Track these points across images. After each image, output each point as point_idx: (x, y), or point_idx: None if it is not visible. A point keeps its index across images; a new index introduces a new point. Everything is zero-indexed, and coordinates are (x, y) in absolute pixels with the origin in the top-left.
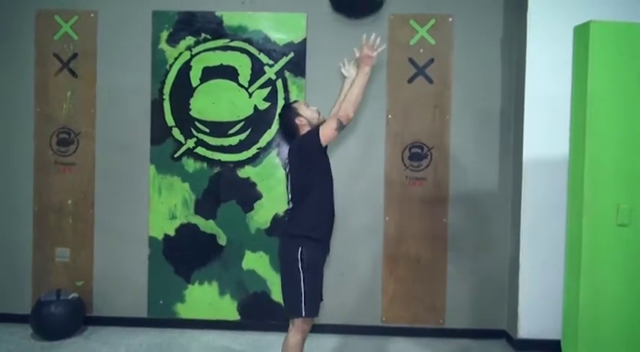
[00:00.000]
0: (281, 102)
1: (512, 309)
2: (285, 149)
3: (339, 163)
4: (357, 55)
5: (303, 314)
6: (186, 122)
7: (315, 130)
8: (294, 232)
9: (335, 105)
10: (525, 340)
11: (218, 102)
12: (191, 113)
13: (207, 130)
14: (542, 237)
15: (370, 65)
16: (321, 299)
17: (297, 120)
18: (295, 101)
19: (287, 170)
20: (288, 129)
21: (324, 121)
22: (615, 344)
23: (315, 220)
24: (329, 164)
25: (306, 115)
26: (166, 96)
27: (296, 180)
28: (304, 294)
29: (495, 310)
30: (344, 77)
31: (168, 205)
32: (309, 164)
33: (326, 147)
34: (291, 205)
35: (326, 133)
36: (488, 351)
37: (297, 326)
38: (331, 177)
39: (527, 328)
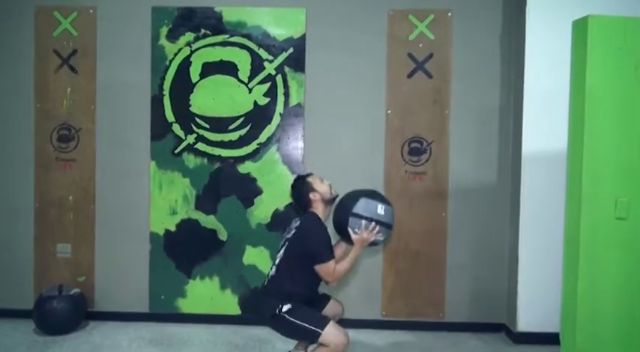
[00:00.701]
0: (281, 98)
1: (512, 303)
2: (284, 144)
3: (339, 158)
4: (354, 236)
5: (321, 331)
6: (186, 118)
7: (321, 254)
8: (273, 292)
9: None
10: (524, 333)
11: (218, 98)
12: (191, 109)
13: (208, 126)
14: (541, 230)
15: (364, 246)
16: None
17: (312, 195)
18: (309, 174)
19: (285, 238)
20: (301, 203)
21: (334, 198)
22: (613, 337)
23: (296, 291)
24: None
25: (321, 190)
26: (166, 92)
27: (290, 256)
28: (304, 322)
29: (494, 303)
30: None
31: (168, 201)
32: (304, 261)
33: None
34: (274, 271)
35: (322, 271)
36: (487, 344)
37: (330, 345)
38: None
39: (527, 321)
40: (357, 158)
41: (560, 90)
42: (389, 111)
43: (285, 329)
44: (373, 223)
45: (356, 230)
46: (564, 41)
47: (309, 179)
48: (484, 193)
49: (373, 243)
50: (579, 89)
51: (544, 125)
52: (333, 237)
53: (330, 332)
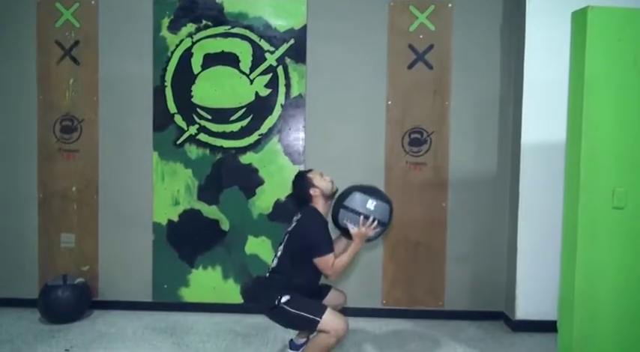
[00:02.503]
0: (282, 89)
1: (510, 291)
2: (285, 135)
3: (340, 148)
4: (353, 231)
5: (319, 319)
6: (188, 109)
7: (321, 248)
8: (274, 284)
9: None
10: (523, 321)
11: (219, 89)
12: (193, 100)
13: (209, 117)
14: (540, 220)
15: (363, 240)
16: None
17: (312, 191)
18: (310, 170)
19: (286, 231)
20: (301, 198)
21: (334, 193)
22: (611, 326)
23: (294, 285)
24: None
25: (321, 186)
26: (168, 83)
27: (291, 252)
28: (304, 313)
29: (493, 292)
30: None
31: (171, 191)
32: (305, 254)
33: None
34: (276, 263)
35: (320, 265)
36: (486, 332)
37: (330, 331)
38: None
39: (525, 309)
40: (357, 149)
41: (559, 81)
42: (389, 102)
43: (284, 319)
44: (371, 218)
45: (354, 224)
46: (564, 32)
47: (310, 175)
48: (484, 183)
49: (369, 239)
50: (578, 80)
51: (544, 115)
52: (334, 232)
53: (329, 319)
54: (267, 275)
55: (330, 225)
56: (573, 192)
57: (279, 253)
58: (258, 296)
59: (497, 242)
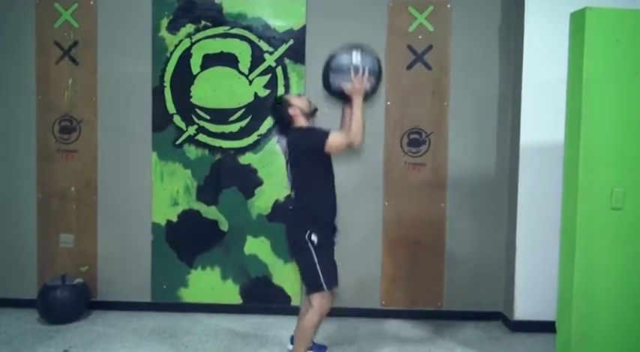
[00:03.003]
0: (281, 90)
1: (509, 292)
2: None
3: None
4: (347, 87)
5: (325, 288)
6: (187, 109)
7: (322, 134)
8: (299, 218)
9: (342, 126)
10: (521, 321)
11: (218, 90)
12: (192, 100)
13: (208, 117)
14: (538, 221)
15: (361, 95)
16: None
17: (291, 111)
18: (282, 95)
19: (288, 159)
20: (283, 121)
21: (314, 110)
22: (609, 326)
23: (318, 206)
24: (330, 158)
25: (298, 104)
26: (167, 84)
27: (297, 172)
28: (320, 270)
29: (492, 293)
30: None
31: (170, 191)
32: (311, 160)
33: (326, 154)
34: (293, 193)
35: (334, 144)
36: (485, 332)
37: (315, 306)
38: (332, 169)
39: (523, 310)
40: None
41: (558, 82)
42: (388, 103)
43: (303, 260)
44: (361, 69)
45: (347, 82)
46: (563, 33)
47: (285, 96)
48: (483, 184)
49: (366, 94)
50: (576, 81)
51: (542, 116)
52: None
53: (327, 296)
54: (290, 206)
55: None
56: (572, 192)
57: (290, 183)
58: (288, 226)
59: (495, 242)
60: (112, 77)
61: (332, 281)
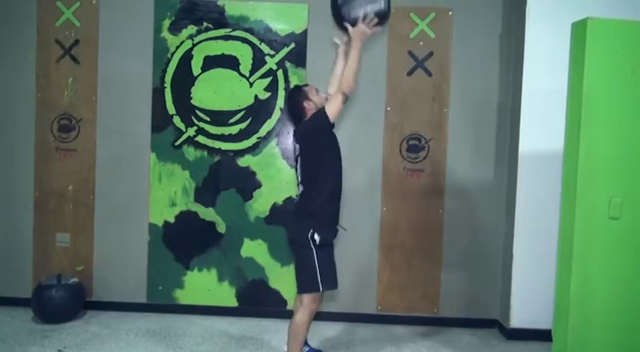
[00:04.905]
0: (282, 93)
1: (505, 299)
2: (284, 138)
3: None
4: (351, 29)
5: (321, 289)
6: (187, 110)
7: (321, 111)
8: (304, 213)
9: (331, 79)
10: (517, 329)
11: (219, 92)
12: (192, 102)
13: (208, 119)
14: (536, 229)
15: (362, 41)
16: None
17: (306, 104)
18: (306, 85)
19: (296, 153)
20: (295, 111)
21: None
22: (606, 335)
23: (324, 200)
24: (337, 141)
25: (315, 100)
26: (167, 85)
27: (307, 162)
28: (319, 270)
29: (488, 300)
30: (336, 45)
31: (168, 192)
32: (321, 144)
33: (334, 125)
34: (301, 188)
35: (333, 109)
36: (480, 340)
37: (305, 304)
38: (340, 154)
39: (519, 317)
40: (355, 154)
41: (557, 91)
42: (388, 108)
43: (303, 258)
44: (370, 15)
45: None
46: (563, 42)
47: (306, 88)
48: (480, 191)
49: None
50: (577, 90)
51: (541, 125)
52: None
53: (318, 296)
54: (296, 203)
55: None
56: (570, 201)
57: (299, 177)
58: (291, 227)
59: (492, 250)
60: (113, 77)
61: (330, 283)
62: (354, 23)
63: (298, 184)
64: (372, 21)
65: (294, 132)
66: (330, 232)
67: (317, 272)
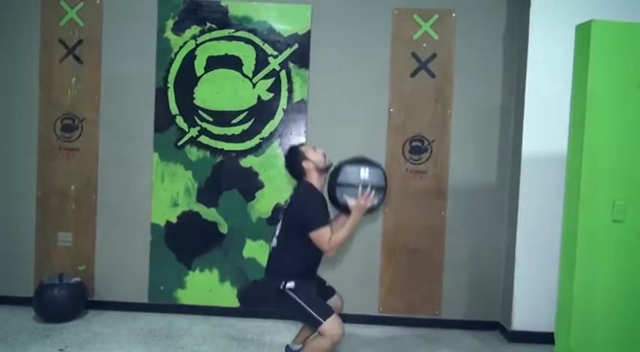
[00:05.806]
0: (285, 93)
1: (507, 302)
2: (287, 139)
3: (341, 154)
4: (351, 203)
5: (323, 320)
6: (190, 111)
7: (316, 220)
8: (276, 270)
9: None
10: (519, 332)
11: (222, 92)
12: (195, 102)
13: (211, 119)
14: (538, 231)
15: (363, 212)
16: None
17: (305, 164)
18: (302, 144)
19: (283, 209)
20: (294, 172)
21: (328, 166)
22: (608, 338)
23: (297, 264)
24: None
25: (313, 159)
26: (171, 85)
27: (286, 227)
28: (310, 308)
29: (490, 302)
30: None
31: (170, 192)
32: (299, 231)
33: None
34: (275, 243)
35: (319, 239)
36: (482, 342)
37: (326, 335)
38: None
39: (521, 320)
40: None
41: (561, 93)
42: (391, 110)
43: (290, 307)
44: (369, 188)
45: (353, 198)
46: (566, 44)
47: (302, 148)
48: (483, 193)
49: (370, 209)
50: (580, 93)
51: (544, 127)
52: (333, 213)
53: (331, 324)
54: (269, 258)
55: (330, 208)
56: (573, 204)
57: (277, 232)
58: (265, 286)
59: (495, 252)
60: (116, 77)
61: (324, 312)
62: (346, 206)
63: (274, 237)
64: (369, 194)
65: (290, 197)
66: (305, 281)
67: (309, 311)
